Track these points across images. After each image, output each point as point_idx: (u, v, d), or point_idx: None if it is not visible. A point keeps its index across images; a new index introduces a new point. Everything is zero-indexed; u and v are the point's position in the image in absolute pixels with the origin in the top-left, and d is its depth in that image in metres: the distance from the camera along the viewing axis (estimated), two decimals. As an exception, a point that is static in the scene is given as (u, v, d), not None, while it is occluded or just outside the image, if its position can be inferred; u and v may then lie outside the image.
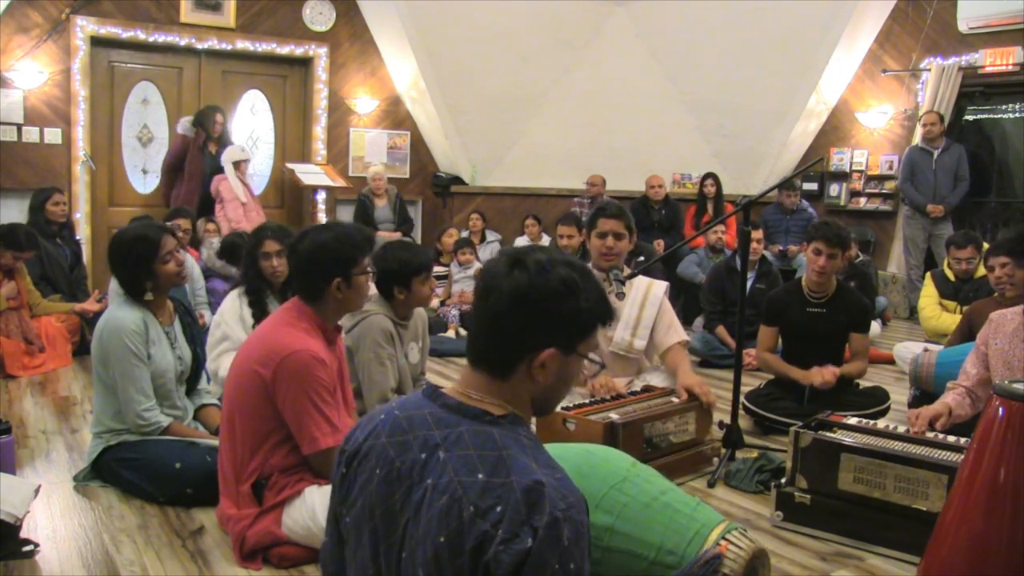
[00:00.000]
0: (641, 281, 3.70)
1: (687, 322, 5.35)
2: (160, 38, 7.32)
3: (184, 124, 6.94)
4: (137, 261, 2.92)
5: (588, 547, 1.25)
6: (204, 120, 6.88)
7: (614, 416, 3.03)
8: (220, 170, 6.89)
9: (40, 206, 5.72)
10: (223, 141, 7.03)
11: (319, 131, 8.13)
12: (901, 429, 2.88)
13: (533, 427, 3.07)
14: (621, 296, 3.54)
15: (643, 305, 3.63)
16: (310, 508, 2.40)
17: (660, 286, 3.70)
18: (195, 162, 6.84)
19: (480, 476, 1.23)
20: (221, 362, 3.63)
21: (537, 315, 1.32)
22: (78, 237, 6.50)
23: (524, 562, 1.17)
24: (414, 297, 3.31)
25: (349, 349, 3.22)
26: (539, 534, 1.17)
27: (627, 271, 3.67)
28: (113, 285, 4.56)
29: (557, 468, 1.28)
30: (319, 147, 8.15)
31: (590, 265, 3.72)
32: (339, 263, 2.51)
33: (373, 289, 3.25)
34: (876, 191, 8.19)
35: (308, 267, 2.54)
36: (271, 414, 2.44)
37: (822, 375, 3.75)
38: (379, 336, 3.23)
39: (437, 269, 6.80)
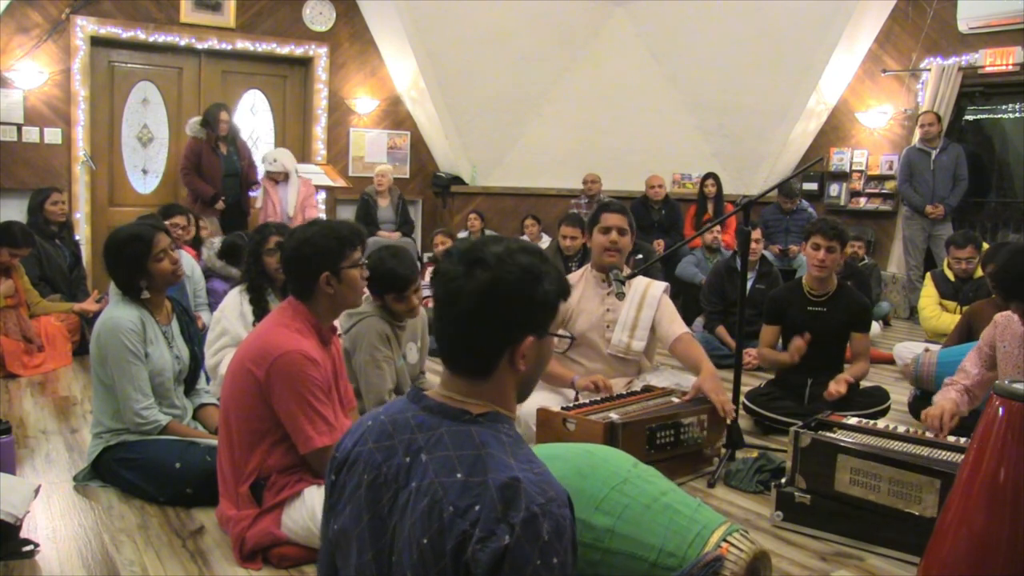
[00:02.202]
0: (640, 282, 3.68)
1: (687, 322, 5.34)
2: (160, 38, 7.32)
3: (192, 125, 6.89)
4: (131, 260, 2.92)
5: (573, 540, 1.24)
6: (210, 119, 6.82)
7: (614, 416, 3.03)
8: (235, 171, 6.86)
9: (39, 206, 5.71)
10: (232, 139, 6.95)
11: (319, 131, 8.14)
12: (901, 429, 2.88)
13: (533, 427, 3.09)
14: (621, 296, 3.53)
15: (640, 306, 3.61)
16: (310, 508, 2.40)
17: (658, 286, 3.69)
18: (209, 164, 6.78)
19: (459, 476, 1.23)
20: (221, 358, 3.64)
21: (509, 309, 1.30)
22: (77, 237, 6.50)
23: (503, 559, 1.16)
24: (403, 306, 3.35)
25: (347, 350, 3.22)
26: (516, 530, 1.17)
27: (627, 271, 3.66)
28: (114, 284, 4.59)
29: (537, 463, 1.27)
30: (319, 147, 8.15)
31: (589, 265, 3.72)
32: (325, 257, 2.51)
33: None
34: (876, 191, 8.20)
35: (295, 263, 2.55)
36: (267, 414, 2.45)
37: (833, 387, 3.73)
38: (375, 338, 3.23)
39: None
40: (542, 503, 1.19)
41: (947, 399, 3.04)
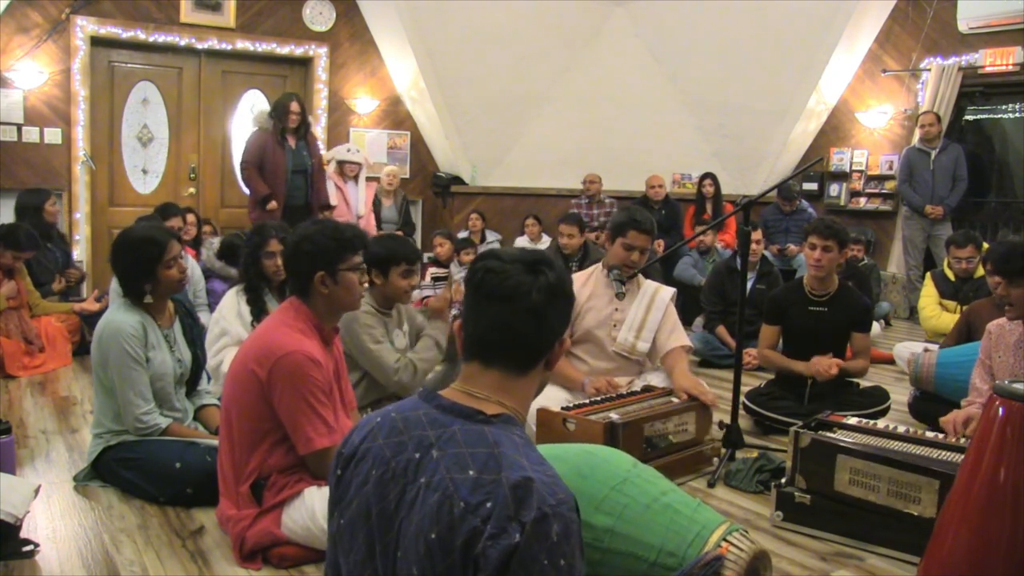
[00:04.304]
0: (649, 285, 3.72)
1: (687, 322, 5.34)
2: (160, 38, 7.31)
3: (259, 116, 6.35)
4: (141, 263, 2.91)
5: (580, 543, 1.25)
6: (278, 110, 6.23)
7: (614, 416, 3.03)
8: (304, 167, 6.30)
9: (39, 208, 5.65)
10: (303, 134, 6.38)
11: (319, 131, 8.11)
12: (901, 429, 2.88)
13: (533, 427, 3.10)
14: (621, 296, 3.55)
15: (649, 308, 3.63)
16: (310, 508, 2.40)
17: (667, 291, 3.71)
18: (273, 159, 6.14)
19: (471, 473, 1.25)
20: (223, 358, 3.65)
21: (566, 309, 1.42)
22: (77, 237, 6.47)
23: (512, 557, 1.18)
24: (390, 287, 3.39)
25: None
26: (527, 529, 1.18)
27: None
28: (114, 284, 4.58)
29: (548, 466, 1.29)
30: (319, 147, 8.14)
31: (601, 264, 3.73)
32: (322, 256, 2.52)
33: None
34: (876, 191, 8.19)
35: (293, 258, 2.57)
36: (268, 414, 2.45)
37: (823, 364, 3.74)
38: (365, 319, 3.32)
39: (437, 270, 6.79)
40: (553, 504, 1.21)
41: (968, 408, 3.07)
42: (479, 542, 1.19)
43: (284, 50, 7.85)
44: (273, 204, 6.04)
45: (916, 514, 2.52)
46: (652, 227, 3.62)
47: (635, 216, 3.60)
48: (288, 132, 6.21)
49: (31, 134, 6.92)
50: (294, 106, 6.19)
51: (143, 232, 3.00)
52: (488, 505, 1.21)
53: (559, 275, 1.39)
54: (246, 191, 6.55)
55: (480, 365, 1.39)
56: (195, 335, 3.20)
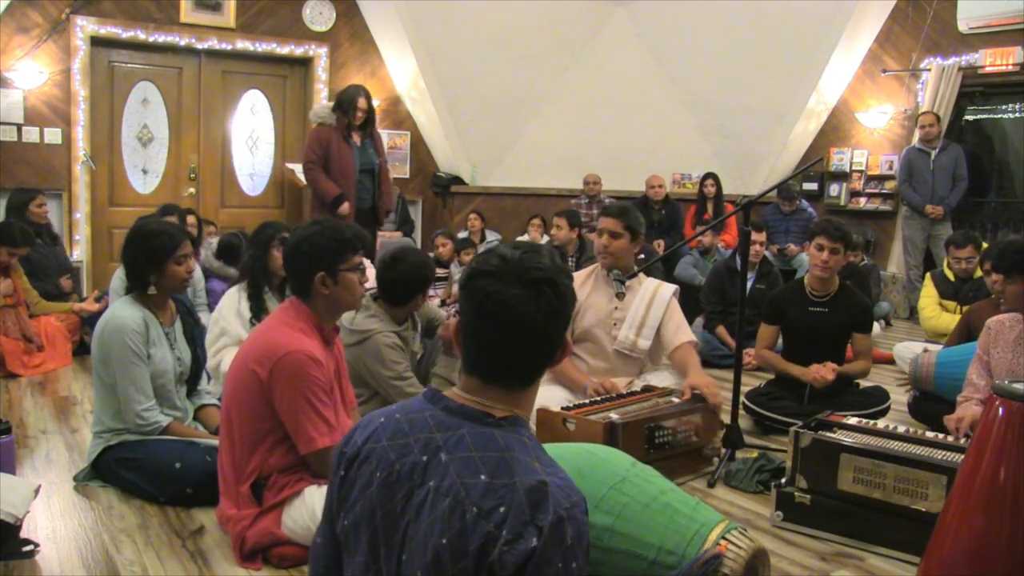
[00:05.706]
0: (650, 282, 3.72)
1: (687, 322, 5.35)
2: (160, 38, 7.32)
3: (320, 110, 5.82)
4: (152, 252, 2.91)
5: (588, 546, 1.25)
6: (344, 104, 5.64)
7: (614, 416, 3.03)
8: (371, 166, 5.81)
9: (22, 207, 5.54)
10: (369, 131, 5.83)
11: (319, 131, 8.11)
12: (901, 429, 2.88)
13: (533, 427, 3.10)
14: (621, 296, 3.55)
15: (650, 306, 3.63)
16: (310, 508, 2.40)
17: (668, 288, 3.71)
18: (339, 157, 5.59)
19: (482, 477, 1.24)
20: (222, 357, 3.65)
21: (568, 316, 1.37)
22: (78, 237, 6.45)
23: (527, 562, 1.17)
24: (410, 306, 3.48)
25: (349, 362, 3.23)
26: (544, 533, 1.18)
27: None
28: (114, 284, 4.59)
29: (559, 468, 1.29)
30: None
31: (600, 263, 3.75)
32: (322, 256, 2.51)
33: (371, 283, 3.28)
34: (876, 191, 8.20)
35: (293, 259, 2.56)
36: (269, 413, 2.45)
37: (820, 372, 3.76)
38: (391, 354, 3.28)
39: (437, 271, 6.79)
40: (567, 507, 1.21)
41: (969, 409, 3.06)
42: (494, 548, 1.19)
43: (284, 50, 7.85)
44: (346, 207, 5.53)
45: (924, 510, 2.51)
46: (619, 211, 3.67)
47: (606, 206, 3.81)
48: (353, 128, 5.71)
49: (31, 134, 6.92)
50: (361, 102, 5.64)
51: (160, 225, 3.03)
52: (502, 510, 1.20)
53: (560, 289, 1.33)
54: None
55: (481, 381, 1.35)
56: (196, 334, 3.20)
